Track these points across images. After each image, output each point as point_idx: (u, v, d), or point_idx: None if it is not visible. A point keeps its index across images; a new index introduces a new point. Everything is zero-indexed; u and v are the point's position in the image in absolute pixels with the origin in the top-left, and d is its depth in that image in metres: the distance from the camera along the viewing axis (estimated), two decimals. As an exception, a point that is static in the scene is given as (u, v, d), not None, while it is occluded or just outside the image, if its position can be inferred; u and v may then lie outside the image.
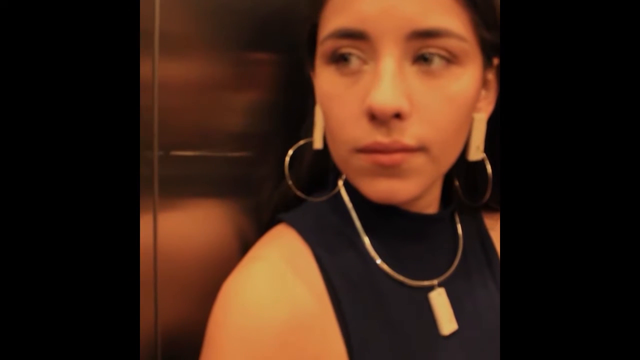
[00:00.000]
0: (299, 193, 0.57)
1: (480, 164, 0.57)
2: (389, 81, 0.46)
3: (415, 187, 0.50)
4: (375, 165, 0.49)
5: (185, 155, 0.58)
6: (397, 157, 0.48)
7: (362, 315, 0.53)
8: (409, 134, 0.48)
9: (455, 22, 0.47)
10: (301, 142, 0.58)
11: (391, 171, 0.49)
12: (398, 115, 0.47)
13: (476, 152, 0.54)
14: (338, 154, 0.52)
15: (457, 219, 0.63)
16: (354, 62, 0.49)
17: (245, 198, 0.63)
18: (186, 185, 0.59)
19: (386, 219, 0.56)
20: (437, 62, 0.48)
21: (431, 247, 0.59)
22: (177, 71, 0.56)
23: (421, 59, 0.48)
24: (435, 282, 0.58)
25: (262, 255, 0.53)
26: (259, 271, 0.51)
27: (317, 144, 0.56)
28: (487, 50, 0.51)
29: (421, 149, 0.49)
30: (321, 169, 0.60)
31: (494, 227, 0.65)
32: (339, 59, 0.49)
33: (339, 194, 0.58)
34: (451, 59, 0.48)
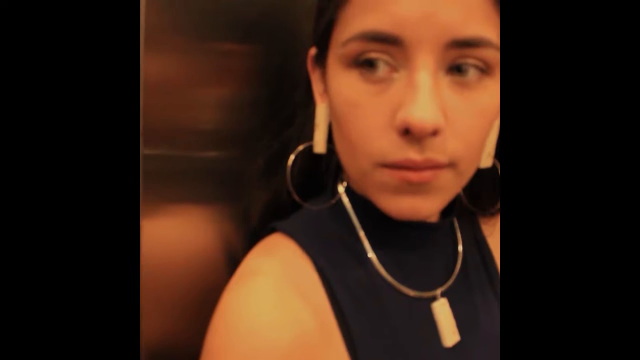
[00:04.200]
0: (298, 200, 0.53)
1: (483, 169, 0.54)
2: (427, 96, 0.42)
3: (439, 204, 0.47)
4: (402, 182, 0.45)
5: (166, 155, 0.53)
6: (426, 174, 0.44)
7: (367, 329, 0.50)
8: (442, 150, 0.44)
9: (493, 31, 0.43)
10: (300, 148, 0.53)
11: (417, 188, 0.45)
12: (434, 132, 0.43)
13: (487, 159, 0.51)
14: (357, 166, 0.47)
15: (457, 226, 0.60)
16: (382, 69, 0.44)
17: (231, 202, 0.58)
18: (168, 187, 0.54)
19: (389, 228, 0.53)
20: (472, 73, 0.44)
21: (432, 256, 0.56)
22: (158, 67, 0.51)
23: (455, 69, 0.44)
24: (437, 292, 0.55)
25: (262, 270, 0.49)
26: (261, 288, 0.47)
27: (320, 147, 0.52)
28: None
29: (450, 165, 0.45)
30: (316, 174, 0.56)
31: (491, 233, 0.63)
32: (363, 64, 0.44)
33: (339, 200, 0.54)
34: (486, 69, 0.44)
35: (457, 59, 0.43)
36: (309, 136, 0.54)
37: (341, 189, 0.54)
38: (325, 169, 0.55)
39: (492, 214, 0.63)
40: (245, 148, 0.58)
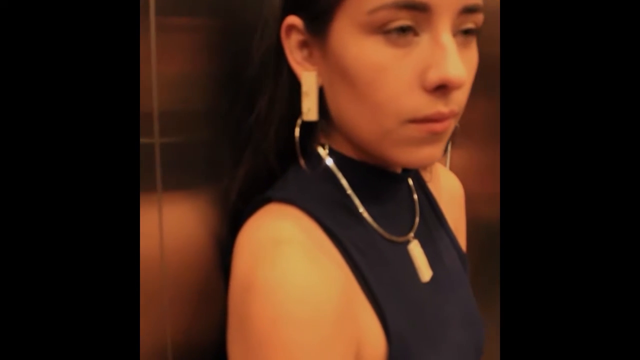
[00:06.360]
0: (303, 163, 0.55)
1: None
2: (456, 54, 0.48)
3: (443, 149, 0.53)
4: (429, 133, 0.50)
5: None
6: (447, 123, 0.51)
7: (378, 278, 0.54)
8: (458, 101, 0.51)
9: None
10: (299, 121, 0.55)
11: (437, 137, 0.51)
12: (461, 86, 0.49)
13: None
14: (379, 126, 0.51)
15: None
16: (408, 33, 0.48)
17: (210, 185, 0.58)
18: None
19: (372, 183, 0.58)
20: (470, 35, 0.51)
21: (401, 204, 0.62)
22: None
23: (460, 32, 0.50)
24: (410, 235, 0.61)
25: (283, 238, 0.50)
26: (293, 254, 0.48)
27: (312, 115, 0.54)
28: None
29: (457, 114, 0.52)
30: (291, 140, 0.57)
31: (430, 180, 0.71)
32: (392, 30, 0.48)
33: (322, 162, 0.57)
34: (477, 31, 0.52)
35: (462, 23, 0.50)
36: (284, 106, 0.56)
37: (324, 151, 0.57)
38: (308, 135, 0.57)
39: (429, 162, 0.71)
40: (215, 127, 0.58)
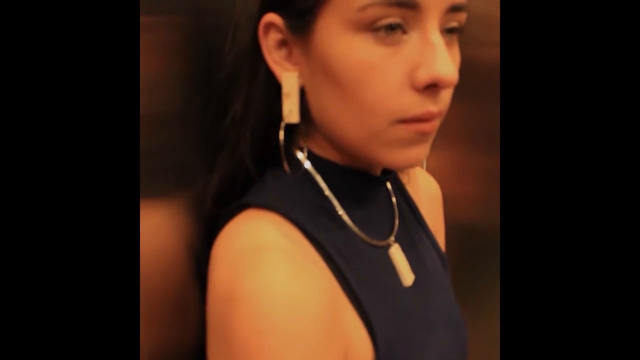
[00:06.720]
0: (287, 168, 0.53)
1: None
2: (445, 52, 0.47)
3: (429, 149, 0.52)
4: (418, 134, 0.49)
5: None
6: (434, 123, 0.50)
7: (362, 283, 0.53)
8: (445, 101, 0.50)
9: None
10: (283, 124, 0.53)
11: (425, 138, 0.50)
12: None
13: None
14: (368, 127, 0.49)
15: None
16: (397, 32, 0.47)
17: (181, 190, 0.56)
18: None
19: (352, 186, 0.56)
20: (454, 34, 0.51)
21: (380, 207, 0.61)
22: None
23: (444, 31, 0.50)
24: (391, 239, 0.60)
25: (266, 244, 0.48)
26: (278, 262, 0.46)
27: (295, 117, 0.52)
28: None
29: (443, 113, 0.51)
30: (272, 143, 0.56)
31: (407, 182, 0.70)
32: (381, 28, 0.47)
33: (301, 166, 0.55)
34: (460, 30, 0.51)
35: (448, 22, 0.50)
36: (261, 107, 0.54)
37: (303, 154, 0.55)
38: (286, 138, 0.55)
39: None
40: (188, 130, 0.55)
